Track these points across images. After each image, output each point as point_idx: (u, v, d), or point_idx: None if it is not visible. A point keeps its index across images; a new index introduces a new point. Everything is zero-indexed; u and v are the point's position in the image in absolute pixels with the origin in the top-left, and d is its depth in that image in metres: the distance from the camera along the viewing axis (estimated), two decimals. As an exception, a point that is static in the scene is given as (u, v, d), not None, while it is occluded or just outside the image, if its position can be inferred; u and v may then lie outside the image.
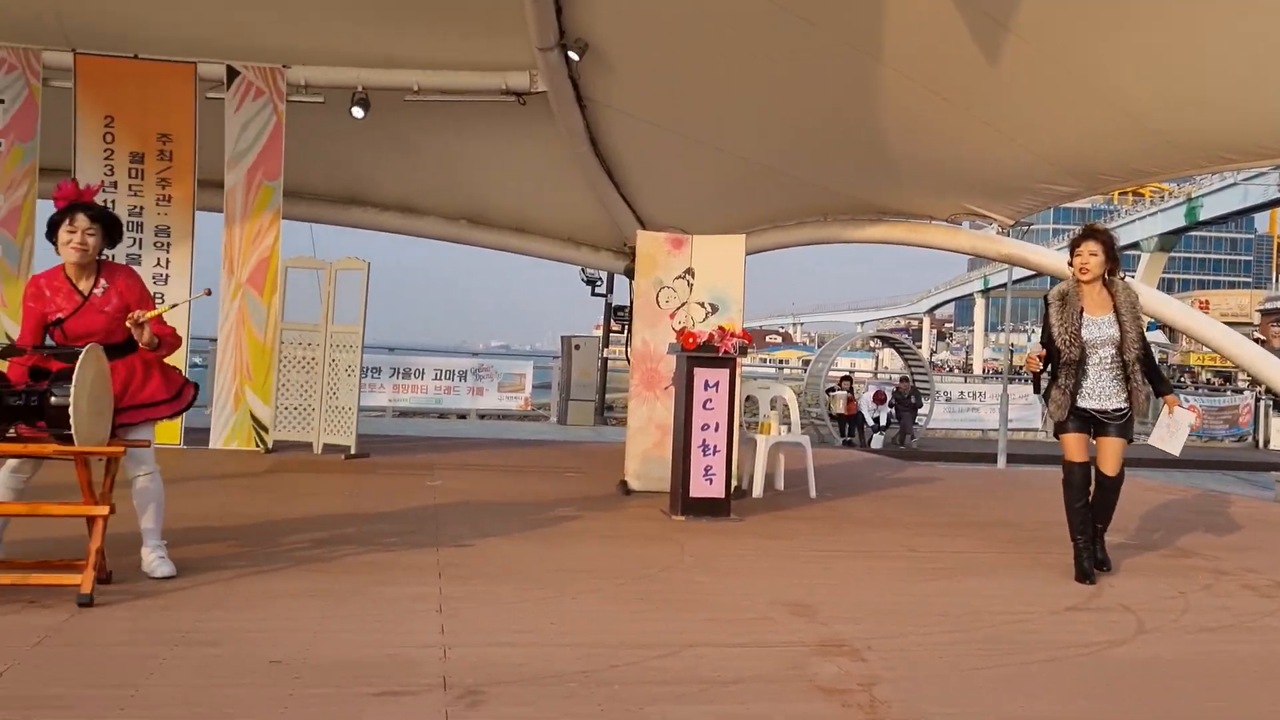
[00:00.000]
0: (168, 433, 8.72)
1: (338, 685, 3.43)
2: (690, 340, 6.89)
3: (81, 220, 4.57)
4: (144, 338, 4.52)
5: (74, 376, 4.15)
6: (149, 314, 4.54)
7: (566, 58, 9.71)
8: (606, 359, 16.83)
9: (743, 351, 7.08)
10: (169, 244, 9.73)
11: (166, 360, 4.89)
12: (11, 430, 4.37)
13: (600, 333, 18.14)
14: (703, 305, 8.01)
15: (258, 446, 9.63)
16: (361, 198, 12.38)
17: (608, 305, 17.50)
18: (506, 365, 16.12)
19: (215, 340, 10.10)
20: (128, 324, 4.50)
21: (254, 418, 9.68)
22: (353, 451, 9.52)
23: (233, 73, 9.87)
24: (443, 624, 4.17)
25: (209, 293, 6.29)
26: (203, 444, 9.47)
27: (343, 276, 9.88)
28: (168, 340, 4.71)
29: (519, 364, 16.59)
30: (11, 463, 4.56)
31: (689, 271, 8.08)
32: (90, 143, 9.64)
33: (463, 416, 16.21)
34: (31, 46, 9.62)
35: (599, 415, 16.23)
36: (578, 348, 16.19)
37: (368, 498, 7.34)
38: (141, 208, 9.65)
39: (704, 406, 6.92)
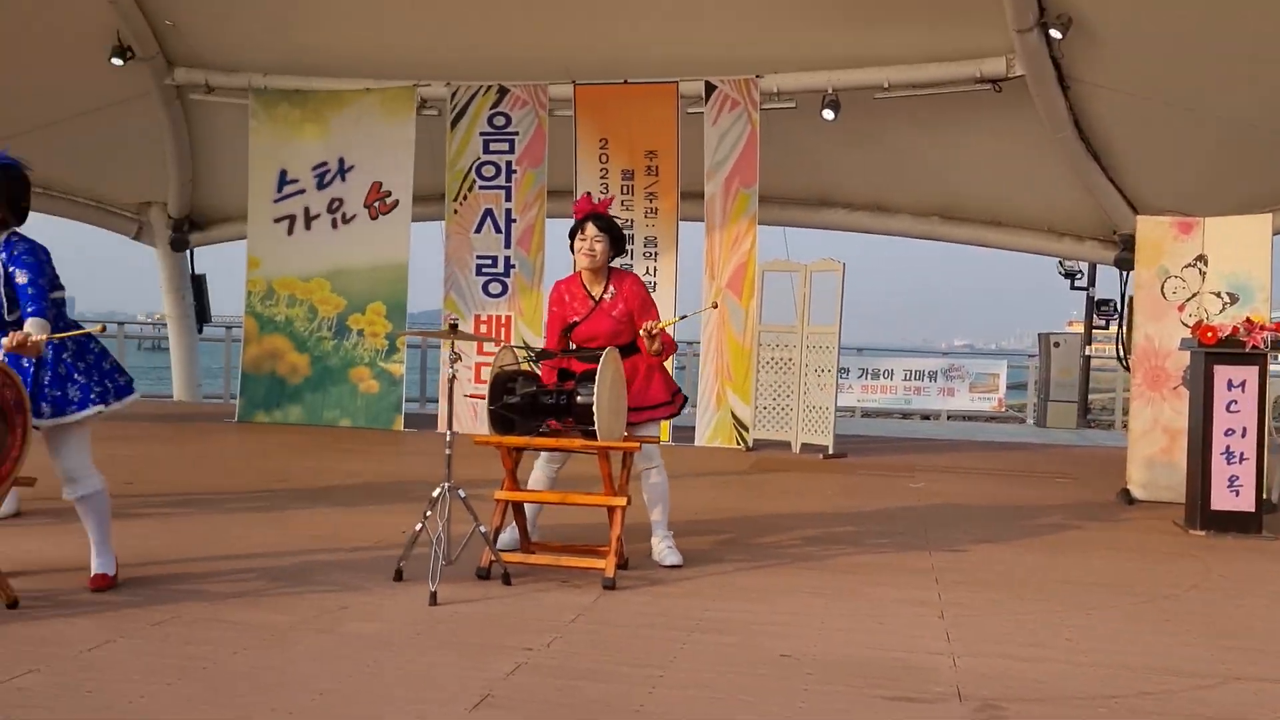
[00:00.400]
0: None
1: (848, 684, 3.41)
2: (1209, 335, 6.15)
3: (591, 229, 4.97)
4: (653, 347, 4.81)
5: (596, 377, 4.52)
6: (660, 324, 4.83)
7: (1047, 37, 9.15)
8: (1090, 356, 15.62)
9: (1277, 346, 6.20)
10: (656, 253, 10.41)
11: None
12: (544, 426, 4.86)
13: (1081, 329, 16.88)
14: (1219, 295, 7.14)
15: (739, 445, 10.02)
16: (832, 199, 12.46)
17: (1089, 299, 16.22)
18: (978, 365, 15.46)
19: (698, 343, 10.66)
20: (640, 333, 4.81)
21: (735, 417, 10.09)
22: (830, 451, 9.60)
23: (710, 87, 10.36)
24: (947, 631, 4.02)
25: (715, 306, 6.28)
26: (688, 442, 10.02)
27: (817, 278, 10.01)
28: (669, 347, 4.99)
29: (991, 363, 15.84)
30: (545, 454, 5.06)
31: (1200, 258, 7.23)
32: (589, 164, 10.58)
33: (926, 418, 15.81)
34: (540, 82, 10.75)
35: (1081, 417, 15.09)
36: (1057, 345, 15.15)
37: (850, 497, 7.34)
38: (632, 221, 10.40)
39: (1227, 409, 6.15)
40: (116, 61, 11.17)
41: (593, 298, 5.01)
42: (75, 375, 4.08)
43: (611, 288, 5.01)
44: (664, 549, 5.01)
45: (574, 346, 5.03)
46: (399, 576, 4.52)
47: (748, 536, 5.81)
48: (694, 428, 10.16)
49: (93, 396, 4.09)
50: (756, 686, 3.38)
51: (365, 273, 11.01)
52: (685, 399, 5.29)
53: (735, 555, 5.29)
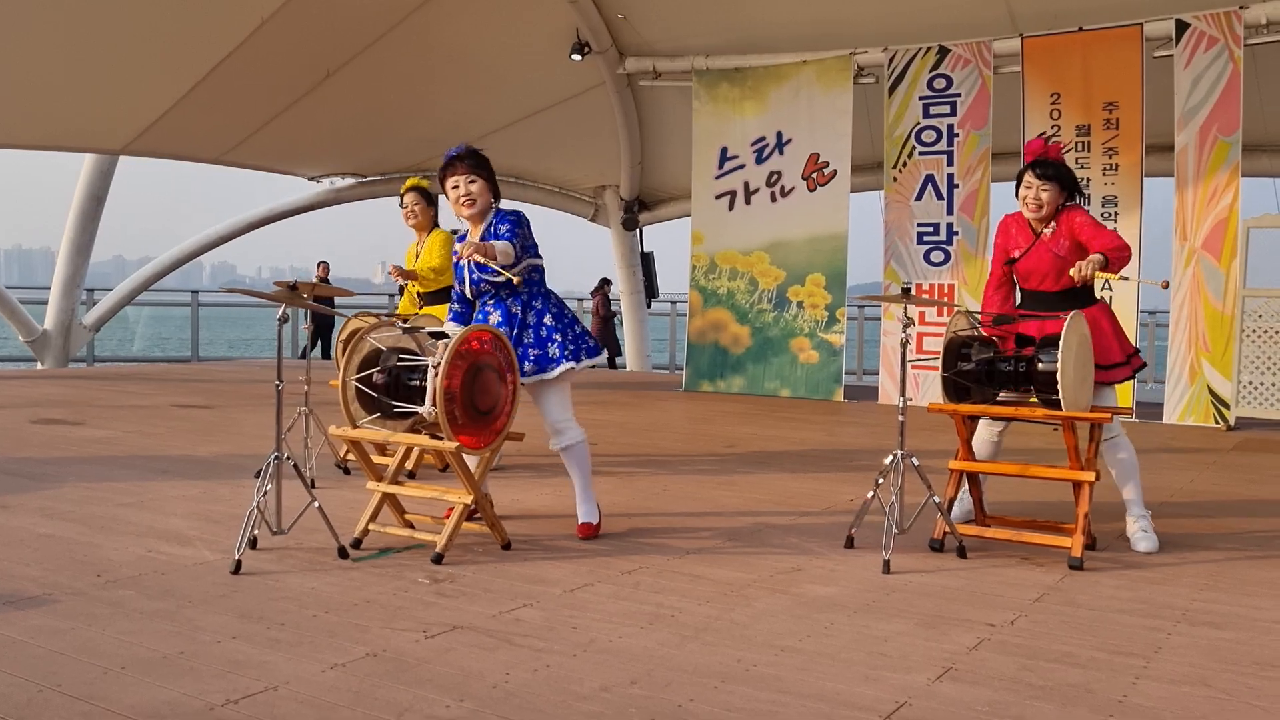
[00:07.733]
0: (1121, 401, 8.57)
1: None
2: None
3: (1031, 176, 4.61)
4: (1086, 271, 4.33)
5: (1061, 342, 4.18)
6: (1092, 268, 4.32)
7: None
8: None
9: None
10: (1116, 213, 9.55)
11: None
12: (1000, 394, 4.59)
13: None
14: None
15: (1217, 423, 8.96)
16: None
17: None
18: None
19: (1166, 312, 9.66)
20: (1072, 272, 4.36)
21: (1212, 392, 9.03)
22: (1332, 433, 8.33)
23: (1182, 25, 9.30)
24: None
25: (1166, 285, 5.57)
26: (1155, 418, 9.13)
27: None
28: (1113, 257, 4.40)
29: None
30: (985, 420, 4.78)
31: None
32: (1038, 121, 9.91)
33: None
34: (984, 39, 10.23)
35: None
36: None
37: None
38: (1088, 179, 9.61)
39: None
40: (576, 57, 12.11)
41: (1035, 232, 4.67)
42: (554, 336, 4.47)
43: (1054, 224, 4.64)
44: (1138, 532, 4.56)
45: (1019, 288, 4.73)
46: (850, 543, 4.49)
47: (1237, 523, 5.17)
48: (1162, 404, 9.23)
49: (566, 355, 4.46)
50: (1273, 691, 2.96)
51: (804, 244, 11.12)
52: (1143, 363, 4.79)
53: (1224, 543, 4.72)
